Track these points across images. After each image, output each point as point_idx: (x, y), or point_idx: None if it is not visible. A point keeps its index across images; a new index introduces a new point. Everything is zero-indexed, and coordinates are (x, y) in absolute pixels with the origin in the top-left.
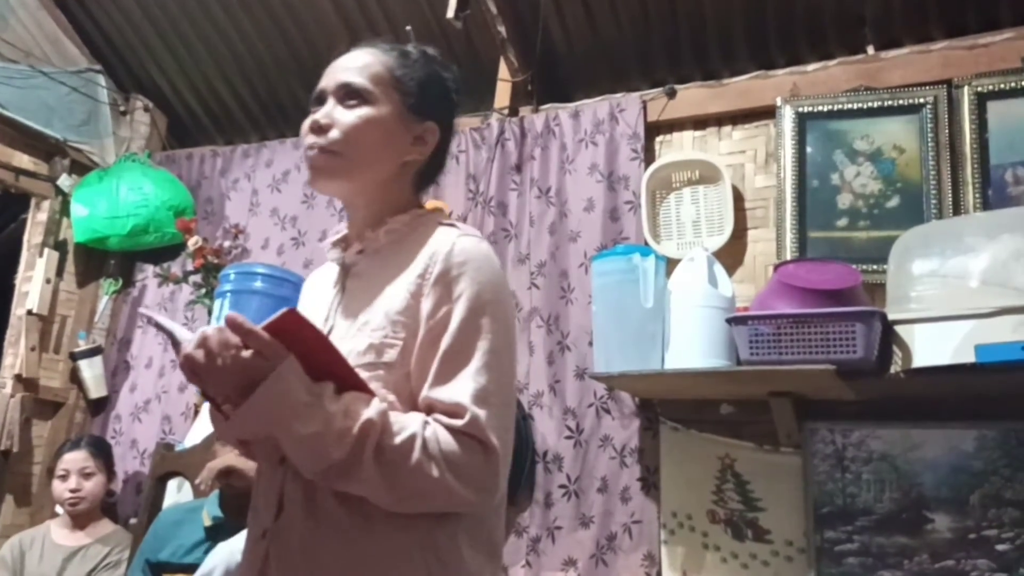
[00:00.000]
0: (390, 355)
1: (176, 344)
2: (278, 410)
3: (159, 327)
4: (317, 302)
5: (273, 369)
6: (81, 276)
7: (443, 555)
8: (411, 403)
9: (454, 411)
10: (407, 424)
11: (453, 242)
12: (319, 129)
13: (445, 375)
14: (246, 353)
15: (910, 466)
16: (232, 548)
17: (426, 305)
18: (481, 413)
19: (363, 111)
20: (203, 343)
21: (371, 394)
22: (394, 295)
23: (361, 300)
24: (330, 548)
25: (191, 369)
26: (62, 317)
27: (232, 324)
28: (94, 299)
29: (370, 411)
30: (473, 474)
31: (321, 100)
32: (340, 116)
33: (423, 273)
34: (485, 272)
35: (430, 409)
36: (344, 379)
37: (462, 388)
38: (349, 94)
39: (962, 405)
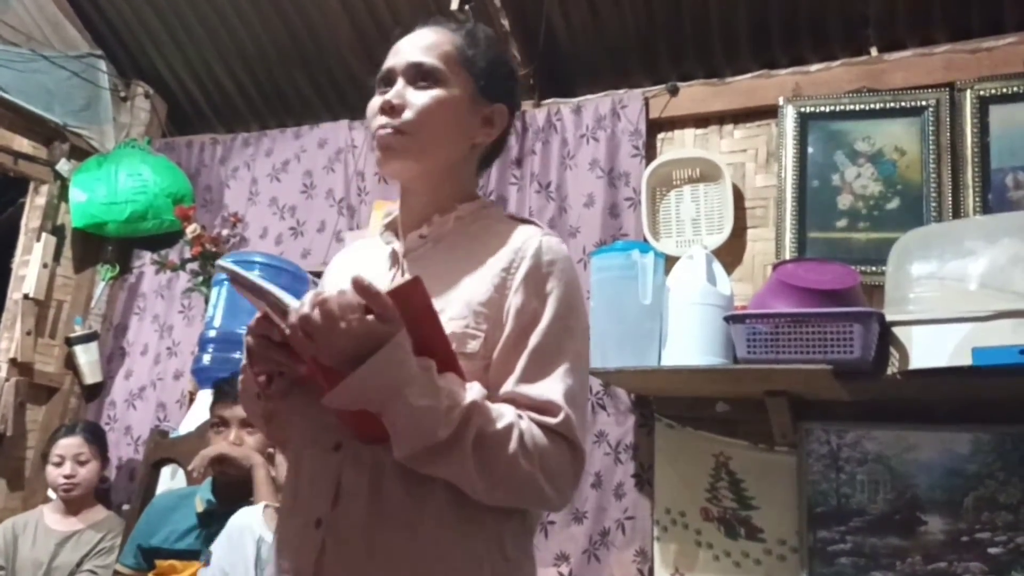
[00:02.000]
0: (472, 346)
1: (273, 304)
2: (396, 377)
3: (242, 283)
4: None
5: (393, 336)
6: (78, 261)
7: (508, 553)
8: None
9: (547, 408)
10: (504, 413)
11: (540, 240)
12: (391, 110)
13: (535, 372)
14: (370, 316)
15: (904, 467)
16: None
17: (515, 300)
18: (572, 413)
19: (436, 92)
20: (322, 304)
21: (465, 378)
22: (475, 286)
23: (431, 287)
24: (396, 541)
25: (305, 331)
26: (58, 302)
27: (359, 286)
28: (91, 285)
29: (473, 393)
30: (561, 474)
31: (389, 81)
32: (413, 97)
33: (508, 267)
34: (570, 273)
35: (515, 404)
36: (444, 359)
37: (554, 387)
38: (421, 74)
39: (957, 408)
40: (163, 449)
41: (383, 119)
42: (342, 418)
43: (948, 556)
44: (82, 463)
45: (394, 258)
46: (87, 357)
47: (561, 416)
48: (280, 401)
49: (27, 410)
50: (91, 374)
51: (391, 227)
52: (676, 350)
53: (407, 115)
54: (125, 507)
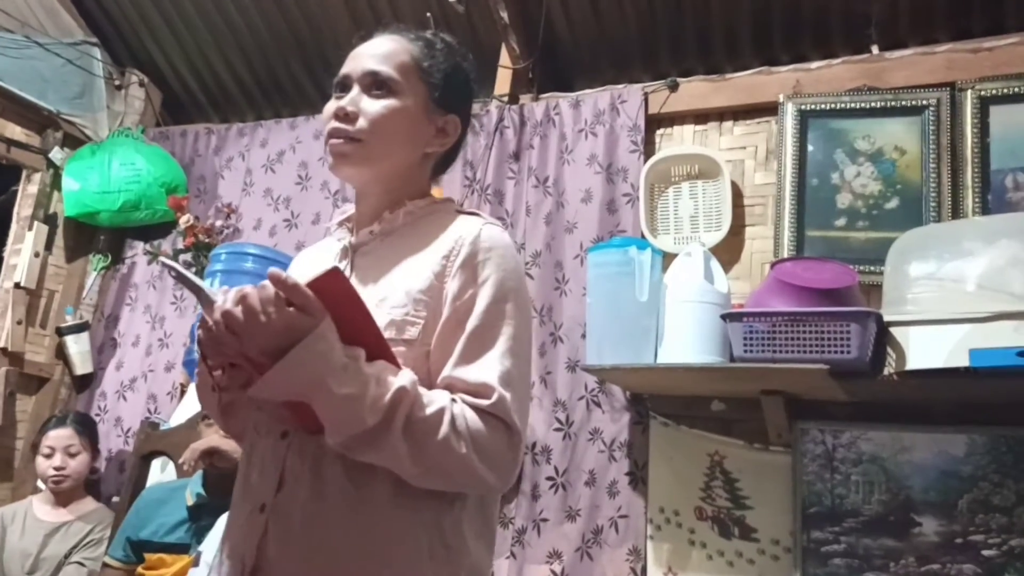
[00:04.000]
0: (411, 332)
1: (205, 300)
2: (319, 368)
3: (182, 280)
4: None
5: (315, 327)
6: (70, 251)
7: (448, 539)
8: (428, 382)
9: (480, 391)
10: (435, 398)
11: (480, 228)
12: (345, 116)
13: (470, 355)
14: (291, 308)
15: (899, 469)
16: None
17: (452, 286)
18: (507, 395)
19: (390, 102)
20: (243, 300)
21: (398, 365)
22: (415, 274)
23: (375, 278)
24: (335, 525)
25: (228, 326)
26: (50, 292)
27: (275, 279)
28: (82, 274)
29: (402, 380)
30: (496, 455)
31: (345, 87)
32: (367, 106)
33: (448, 255)
34: (509, 260)
35: (452, 388)
36: (374, 347)
37: (488, 369)
38: (376, 83)
39: (954, 409)
40: (153, 441)
41: (337, 124)
42: (282, 410)
43: (942, 558)
44: (72, 455)
45: (344, 252)
46: (78, 347)
47: (494, 397)
48: (236, 393)
49: (17, 400)
50: (82, 365)
51: (346, 224)
52: (672, 348)
53: (360, 123)
54: (115, 499)
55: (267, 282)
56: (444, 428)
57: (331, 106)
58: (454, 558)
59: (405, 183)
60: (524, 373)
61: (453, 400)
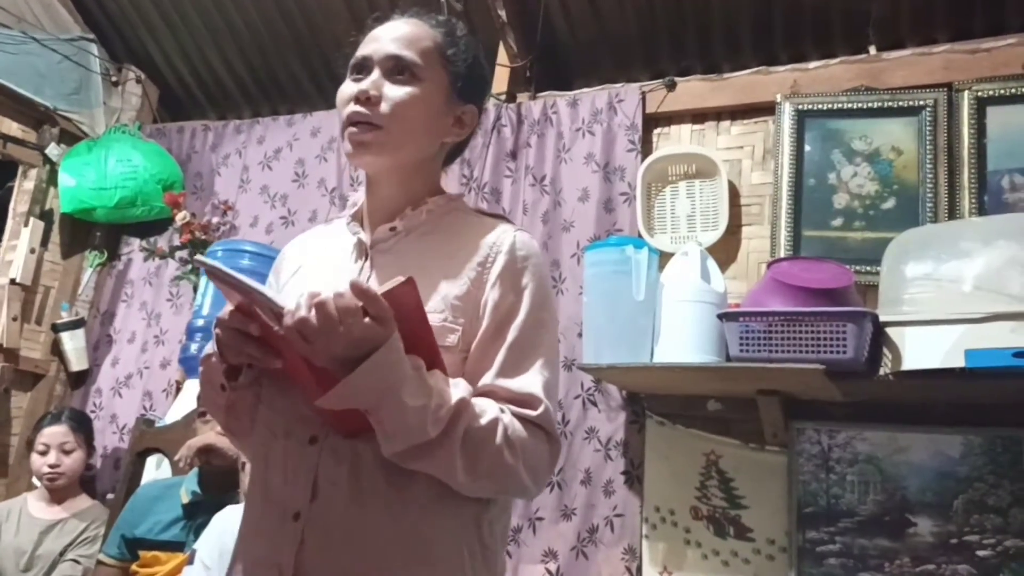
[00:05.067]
0: (451, 339)
1: (263, 305)
2: (391, 379)
3: (228, 281)
4: (325, 273)
5: (389, 338)
6: (66, 247)
7: (484, 539)
8: None
9: (527, 401)
10: (487, 408)
11: (515, 236)
12: (367, 100)
13: (514, 365)
14: (367, 319)
15: (895, 469)
16: (221, 531)
17: (492, 295)
18: (551, 406)
19: (413, 89)
20: (320, 307)
21: (447, 372)
22: (450, 280)
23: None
24: (377, 530)
25: (301, 332)
26: (45, 288)
27: (357, 289)
28: (78, 271)
29: (461, 391)
30: (539, 465)
31: (363, 68)
32: (389, 91)
33: (484, 262)
34: (543, 269)
35: (494, 396)
36: (431, 356)
37: (533, 380)
38: (399, 68)
39: (949, 410)
40: (149, 438)
41: (357, 108)
42: (322, 413)
43: (937, 558)
44: (67, 452)
45: (360, 249)
46: (73, 344)
47: (541, 409)
48: (244, 392)
49: (12, 396)
50: (77, 361)
51: (356, 217)
52: (669, 347)
53: (383, 108)
54: (109, 496)
55: (346, 291)
56: (498, 438)
57: (350, 88)
58: (490, 557)
59: (421, 175)
60: (558, 381)
61: (502, 410)
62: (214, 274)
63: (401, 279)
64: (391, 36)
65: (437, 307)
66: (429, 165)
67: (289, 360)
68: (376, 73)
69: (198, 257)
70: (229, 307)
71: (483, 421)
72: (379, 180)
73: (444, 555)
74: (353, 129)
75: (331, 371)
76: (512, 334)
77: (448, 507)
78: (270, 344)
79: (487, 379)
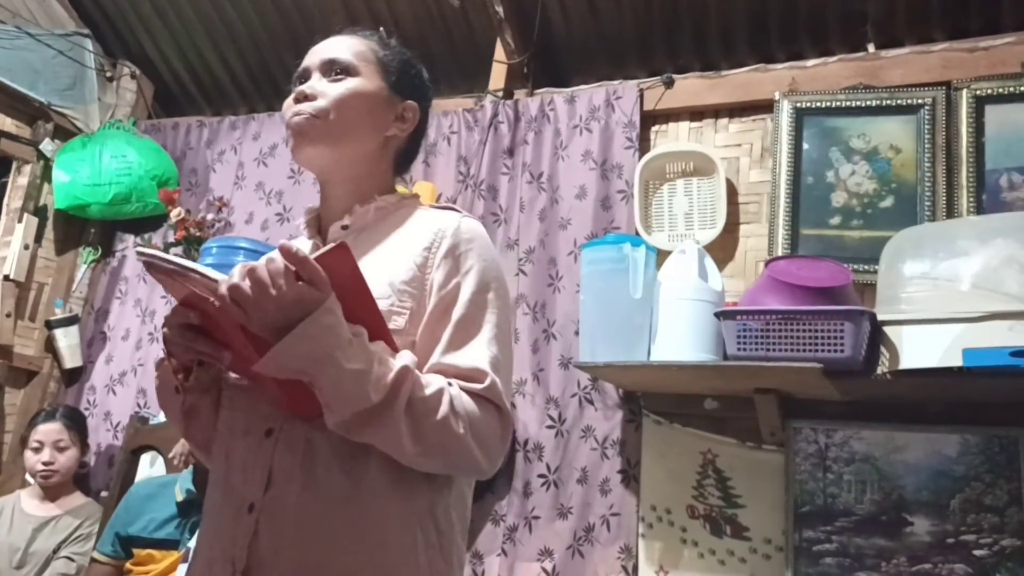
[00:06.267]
0: (398, 322)
1: (200, 282)
2: (328, 342)
3: (166, 270)
4: None
5: (324, 301)
6: (60, 243)
7: (439, 525)
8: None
9: (473, 375)
10: (433, 380)
11: (459, 220)
12: (304, 98)
13: (458, 342)
14: (300, 283)
15: (892, 468)
16: None
17: (437, 276)
18: (497, 379)
19: (349, 82)
20: (251, 272)
21: (395, 345)
22: (397, 266)
23: None
24: (330, 517)
25: (235, 299)
26: (39, 284)
27: (286, 252)
28: (72, 267)
29: (404, 359)
30: (490, 438)
31: (304, 78)
32: (326, 87)
33: (430, 246)
34: (489, 251)
35: (442, 374)
36: (373, 326)
37: (479, 354)
38: (335, 69)
39: (946, 409)
40: (143, 436)
41: (296, 106)
42: (276, 395)
43: (933, 557)
44: (61, 449)
45: (315, 250)
46: (67, 341)
47: (487, 381)
48: (200, 396)
49: (6, 393)
50: (71, 358)
51: (312, 224)
52: (666, 345)
53: (320, 102)
54: (103, 493)
55: (276, 254)
56: (444, 408)
57: (291, 97)
58: (446, 543)
59: (369, 172)
60: (508, 359)
61: (449, 383)
62: (154, 267)
63: (333, 244)
64: (326, 47)
65: (384, 292)
66: (376, 162)
67: (234, 342)
68: (315, 77)
69: (138, 250)
70: (175, 304)
71: (428, 392)
72: (327, 179)
73: (396, 540)
74: (293, 119)
75: (270, 341)
76: (457, 312)
77: (401, 493)
78: (217, 336)
79: (435, 357)
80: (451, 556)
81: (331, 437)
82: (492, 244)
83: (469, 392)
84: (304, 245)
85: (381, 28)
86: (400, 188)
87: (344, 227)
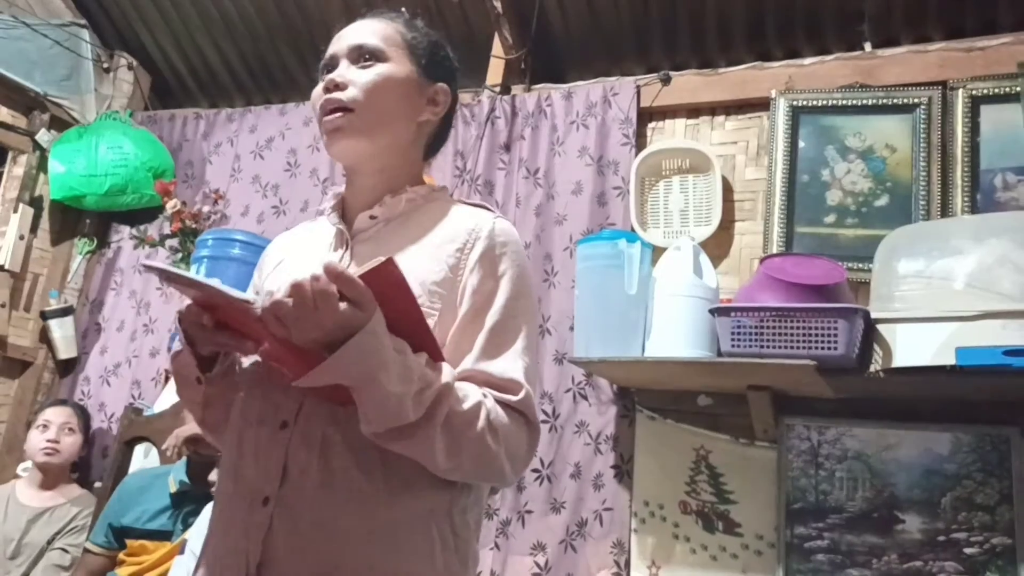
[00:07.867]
0: (428, 324)
1: (228, 301)
2: (370, 364)
3: (178, 280)
4: (306, 264)
5: (367, 323)
6: (55, 234)
7: (456, 527)
8: None
9: (508, 387)
10: (470, 392)
11: (493, 222)
12: (335, 87)
13: (493, 350)
14: (343, 304)
15: (884, 466)
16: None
17: (471, 280)
18: (531, 391)
19: (380, 68)
20: (296, 290)
21: (439, 353)
22: (428, 265)
23: None
24: (346, 515)
25: (277, 315)
26: (34, 275)
27: (331, 273)
28: (67, 258)
29: (446, 376)
30: (519, 450)
31: (332, 66)
32: (356, 75)
33: (462, 248)
34: (522, 256)
35: (474, 381)
36: (418, 336)
37: (514, 365)
38: (363, 55)
39: (939, 407)
40: (137, 427)
41: (328, 96)
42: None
43: (924, 555)
44: (68, 433)
45: (340, 238)
46: (62, 332)
47: (522, 394)
48: (219, 384)
49: (0, 384)
50: (66, 349)
51: (336, 209)
52: (660, 342)
53: (351, 92)
54: (97, 484)
55: (322, 274)
56: (481, 422)
57: (319, 86)
58: (462, 546)
59: (400, 161)
60: (537, 369)
61: (484, 395)
62: (169, 278)
63: (381, 259)
64: (353, 31)
65: (415, 292)
66: (408, 152)
67: (269, 342)
68: (344, 64)
69: (145, 262)
70: (188, 302)
71: (466, 405)
72: (358, 170)
73: (413, 541)
74: (328, 118)
75: (310, 351)
76: (491, 319)
77: (419, 493)
78: (242, 331)
79: (467, 363)
80: (467, 558)
81: (347, 434)
82: (523, 247)
83: (503, 403)
84: (328, 230)
85: (403, 9)
86: (426, 178)
87: (372, 217)
